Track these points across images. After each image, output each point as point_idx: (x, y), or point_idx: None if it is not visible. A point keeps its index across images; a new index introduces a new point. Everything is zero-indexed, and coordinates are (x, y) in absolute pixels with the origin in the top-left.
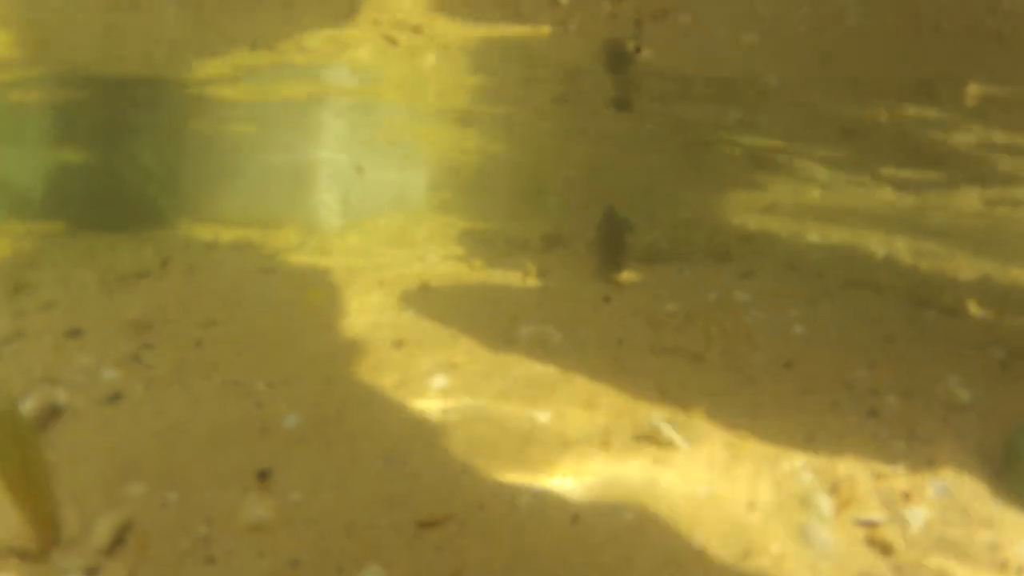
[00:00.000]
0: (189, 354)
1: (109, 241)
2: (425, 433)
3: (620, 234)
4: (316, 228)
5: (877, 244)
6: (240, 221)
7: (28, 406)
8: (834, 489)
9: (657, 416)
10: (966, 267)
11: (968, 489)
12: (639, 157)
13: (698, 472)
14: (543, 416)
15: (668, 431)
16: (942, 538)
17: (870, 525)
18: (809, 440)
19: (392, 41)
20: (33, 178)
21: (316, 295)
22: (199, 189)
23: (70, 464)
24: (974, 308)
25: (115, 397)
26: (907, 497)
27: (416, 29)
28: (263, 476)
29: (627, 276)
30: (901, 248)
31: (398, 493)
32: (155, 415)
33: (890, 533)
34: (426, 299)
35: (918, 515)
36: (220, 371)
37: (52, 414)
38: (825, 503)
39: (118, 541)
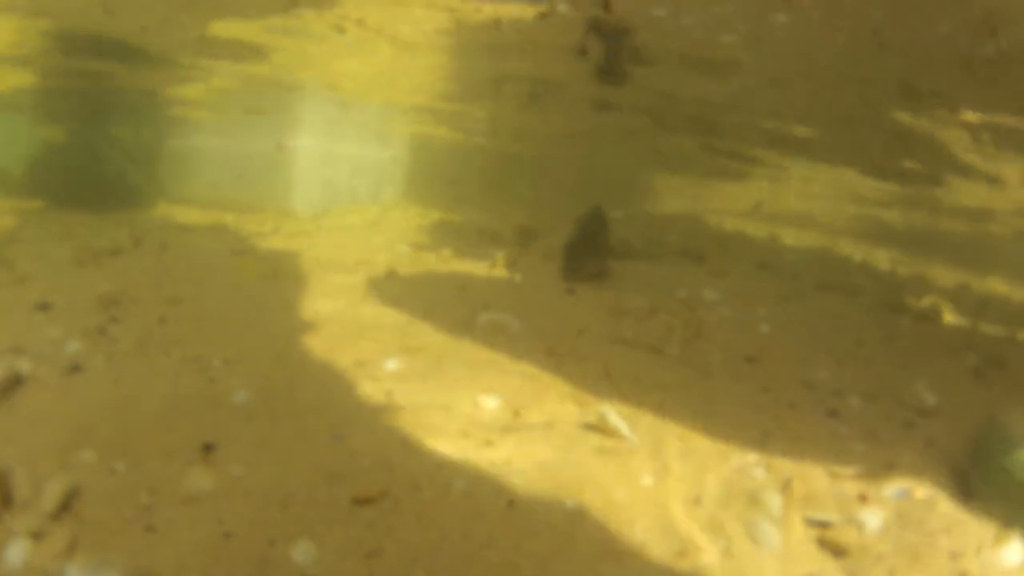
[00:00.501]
0: (152, 330)
1: (87, 220)
2: (371, 413)
3: (598, 234)
4: (291, 214)
5: (854, 249)
6: (217, 205)
7: None
8: (786, 487)
9: (606, 406)
10: (944, 275)
11: (929, 493)
12: (615, 154)
13: (643, 463)
14: (491, 402)
15: (615, 420)
16: (899, 543)
17: (823, 525)
18: (764, 437)
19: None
20: (14, 155)
21: (251, 263)
22: (178, 172)
23: (27, 430)
24: (950, 315)
25: (76, 368)
26: (863, 499)
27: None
28: (208, 449)
29: (596, 270)
30: (878, 254)
31: (337, 470)
32: (112, 386)
33: (843, 535)
34: (390, 286)
35: (874, 518)
36: (180, 347)
37: (15, 383)
38: (775, 501)
39: (64, 506)
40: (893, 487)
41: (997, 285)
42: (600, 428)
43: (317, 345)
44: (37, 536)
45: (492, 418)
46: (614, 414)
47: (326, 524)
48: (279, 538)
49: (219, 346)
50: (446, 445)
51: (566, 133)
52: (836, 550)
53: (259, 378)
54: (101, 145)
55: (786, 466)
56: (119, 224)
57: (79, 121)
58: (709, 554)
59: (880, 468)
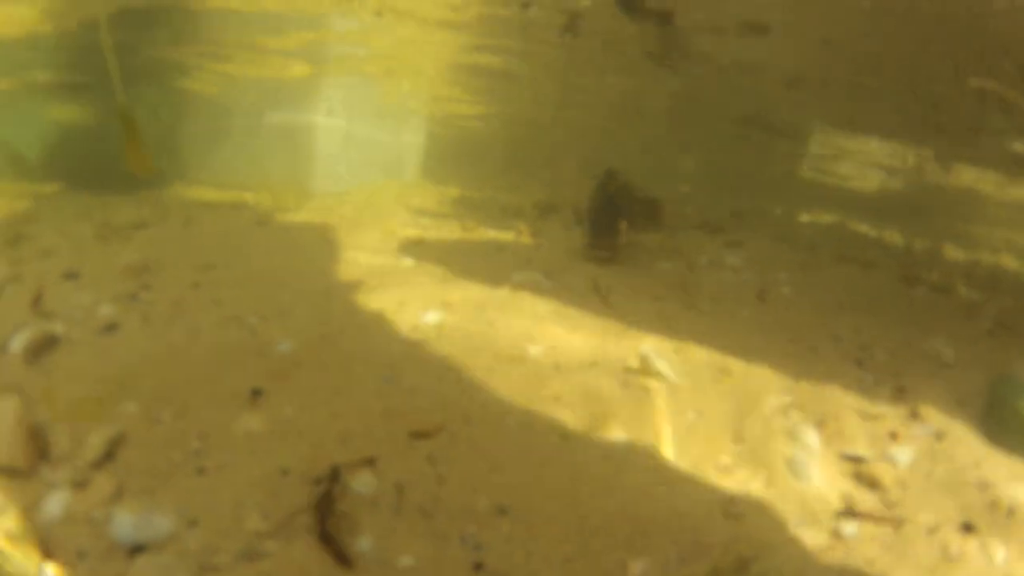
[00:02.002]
0: (187, 293)
1: (105, 200)
2: (420, 356)
3: (617, 204)
4: (312, 192)
5: (870, 225)
6: (237, 185)
7: (24, 336)
8: (820, 425)
9: (647, 349)
10: (959, 251)
11: (954, 433)
12: (636, 128)
13: (685, 402)
14: (534, 347)
15: (657, 362)
16: (930, 475)
17: (857, 460)
18: (795, 381)
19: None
20: (32, 139)
21: (279, 232)
22: (197, 151)
23: (64, 387)
24: (963, 288)
25: (111, 328)
26: (894, 436)
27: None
28: (256, 394)
29: (618, 241)
30: (894, 230)
31: (393, 407)
32: (150, 343)
33: (877, 469)
34: (420, 250)
35: (905, 453)
36: (217, 308)
37: (48, 343)
38: (812, 437)
39: (108, 455)
40: (921, 427)
41: (1008, 261)
42: (643, 370)
43: (355, 299)
44: (79, 485)
45: (537, 361)
46: (655, 356)
47: (386, 457)
48: (342, 471)
49: (257, 305)
50: (497, 384)
51: (587, 105)
52: (871, 483)
53: (301, 330)
54: (116, 125)
55: (819, 407)
56: (138, 203)
57: (96, 103)
58: (753, 484)
59: (908, 410)
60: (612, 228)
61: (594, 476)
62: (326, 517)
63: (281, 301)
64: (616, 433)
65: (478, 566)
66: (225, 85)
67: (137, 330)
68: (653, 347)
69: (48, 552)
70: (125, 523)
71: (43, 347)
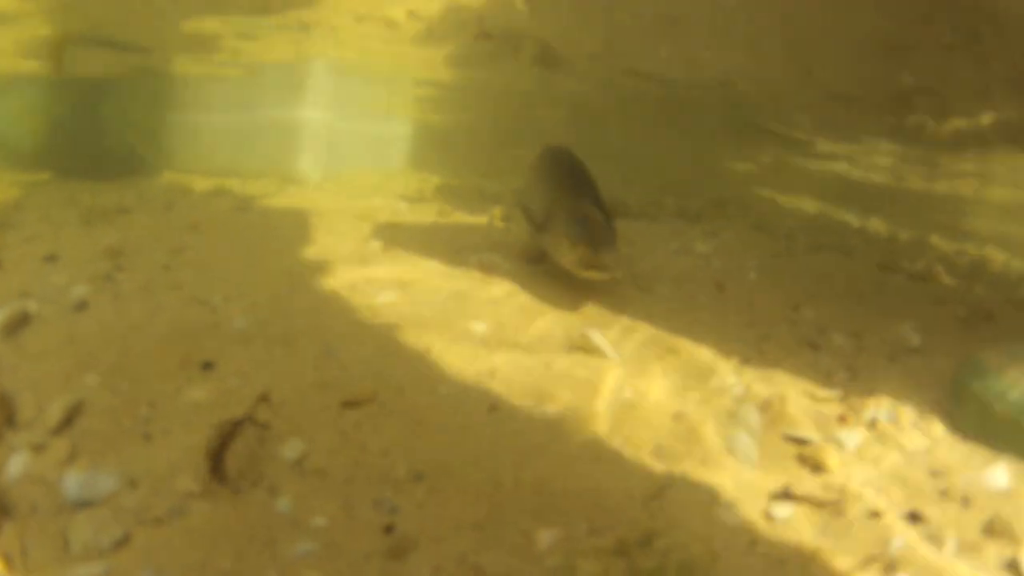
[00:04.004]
0: (156, 275)
1: (93, 188)
2: (363, 334)
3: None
4: (295, 180)
5: (853, 216)
6: (222, 173)
7: (1, 314)
8: (765, 406)
9: (591, 329)
10: (943, 242)
11: (910, 418)
12: (613, 121)
13: (624, 380)
14: (480, 326)
15: (598, 340)
16: (879, 461)
17: (801, 443)
18: (744, 363)
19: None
20: (21, 129)
21: (254, 217)
22: (182, 142)
23: (35, 360)
24: (945, 277)
25: (82, 306)
26: (843, 420)
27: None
28: (207, 367)
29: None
30: (877, 221)
31: (328, 379)
32: (116, 320)
33: (822, 452)
34: (390, 235)
35: (853, 437)
36: (183, 289)
37: (22, 321)
38: (754, 417)
39: (66, 422)
40: (874, 411)
41: (995, 253)
42: (584, 348)
43: (315, 280)
44: (38, 449)
45: (480, 339)
46: (598, 335)
47: (316, 425)
48: (270, 437)
49: (221, 286)
50: (435, 359)
51: (563, 102)
52: (815, 466)
53: (258, 309)
54: (106, 117)
55: (766, 389)
56: (124, 190)
57: (84, 95)
58: (687, 463)
59: (861, 394)
60: (610, 234)
61: (516, 448)
62: (221, 450)
63: (244, 282)
64: (548, 407)
65: (389, 528)
66: (212, 75)
67: (106, 308)
68: (600, 327)
69: (4, 508)
70: (73, 483)
71: (17, 324)
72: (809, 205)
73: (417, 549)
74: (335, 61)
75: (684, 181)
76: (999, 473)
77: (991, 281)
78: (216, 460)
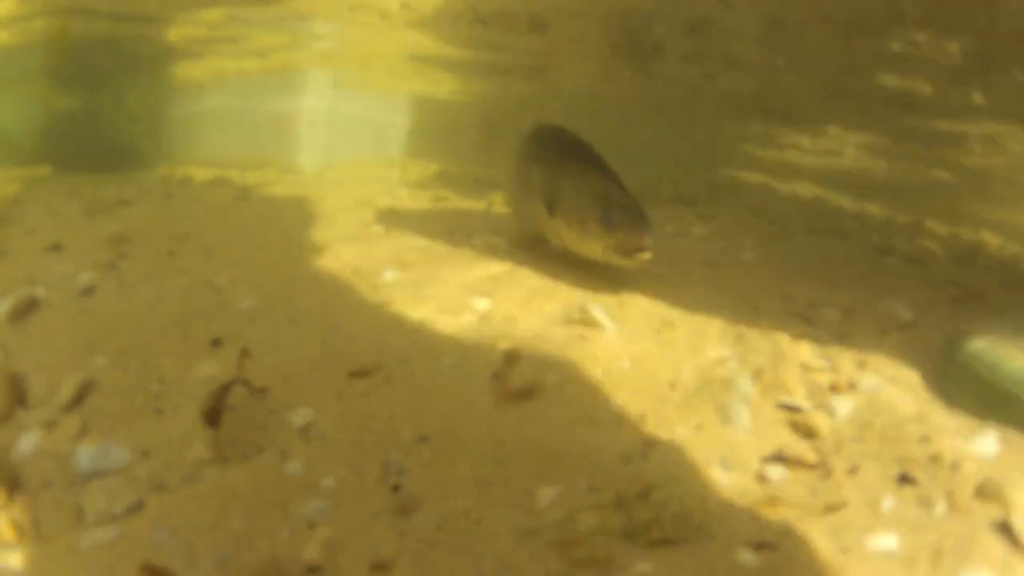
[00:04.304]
0: (162, 261)
1: (94, 181)
2: (368, 310)
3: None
4: (296, 170)
5: (850, 200)
6: (222, 164)
7: (8, 301)
8: (758, 375)
9: (590, 303)
10: (941, 225)
11: (900, 388)
12: (610, 105)
13: (621, 351)
14: (482, 302)
15: (597, 312)
16: (869, 427)
17: (793, 410)
18: (739, 336)
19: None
20: (22, 124)
21: (256, 205)
22: (183, 134)
23: (44, 343)
24: (941, 259)
25: (88, 291)
26: (835, 388)
27: None
28: (216, 344)
29: None
30: (874, 205)
31: (334, 352)
32: (124, 303)
33: (814, 419)
34: (391, 219)
35: (845, 405)
36: (189, 273)
37: (31, 306)
38: (747, 385)
39: (77, 400)
40: (865, 380)
41: (990, 238)
42: (582, 321)
43: (318, 262)
44: (50, 426)
45: (482, 313)
46: (596, 308)
47: (324, 394)
48: (279, 407)
49: (225, 270)
50: (438, 331)
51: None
52: (807, 432)
53: (263, 290)
54: (106, 110)
55: (759, 359)
56: (124, 182)
57: (85, 87)
58: (681, 429)
59: (853, 364)
60: (645, 214)
61: (518, 412)
62: (217, 410)
63: (249, 266)
64: (548, 376)
65: (396, 488)
66: (212, 66)
67: (112, 293)
68: (597, 301)
69: (16, 483)
70: (86, 456)
71: (25, 310)
72: (806, 190)
73: (423, 506)
74: (334, 50)
75: (681, 166)
76: (989, 440)
77: (985, 264)
78: (212, 419)
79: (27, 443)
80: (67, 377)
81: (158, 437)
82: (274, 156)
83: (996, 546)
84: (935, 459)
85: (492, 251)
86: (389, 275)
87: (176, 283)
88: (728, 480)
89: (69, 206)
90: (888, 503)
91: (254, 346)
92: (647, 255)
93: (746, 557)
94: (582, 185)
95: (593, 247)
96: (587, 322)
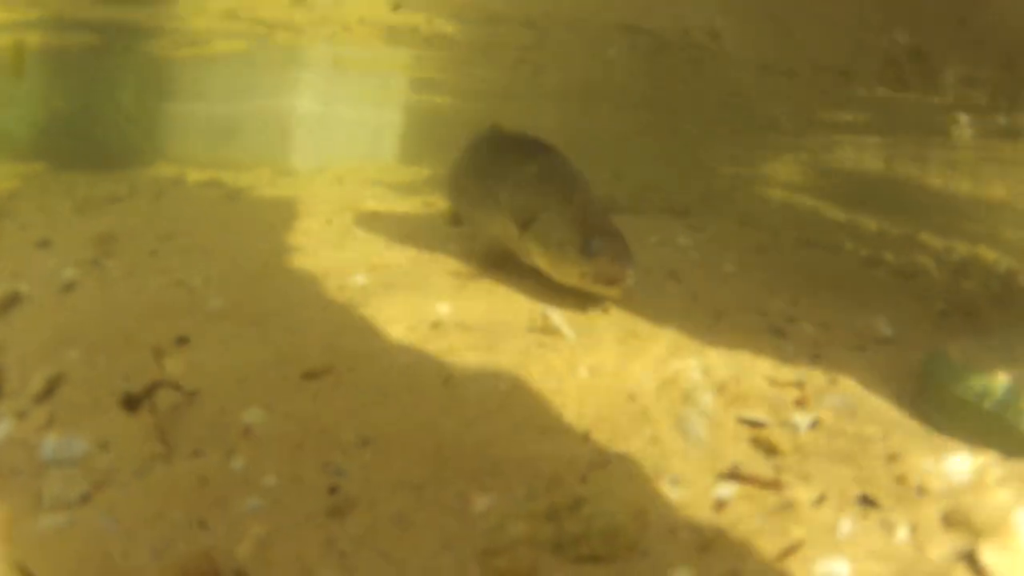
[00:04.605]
0: (143, 260)
1: (87, 178)
2: (330, 313)
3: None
4: (288, 171)
5: (843, 212)
6: (216, 164)
7: None
8: (721, 389)
9: (551, 310)
10: (934, 238)
11: (870, 405)
12: (606, 118)
13: (580, 360)
14: (444, 307)
15: (557, 319)
16: (833, 445)
17: (756, 425)
18: (706, 348)
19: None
20: (21, 121)
21: (242, 206)
22: (177, 133)
23: (22, 337)
24: (933, 273)
25: (69, 287)
26: (801, 404)
27: None
28: (181, 342)
29: None
30: (867, 217)
31: (291, 353)
32: (101, 301)
33: (776, 435)
34: (372, 222)
35: (809, 421)
36: (167, 273)
37: (13, 300)
38: (708, 399)
39: (48, 392)
40: (834, 397)
41: (986, 252)
42: (544, 329)
43: (292, 263)
44: (21, 416)
45: (444, 318)
46: (557, 315)
47: (275, 394)
48: (234, 406)
49: (202, 270)
50: (395, 335)
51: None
52: (767, 448)
53: (234, 291)
54: (102, 107)
55: (724, 372)
56: (118, 180)
57: (81, 85)
58: (635, 441)
59: (823, 380)
60: (624, 240)
61: (464, 417)
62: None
63: (225, 266)
64: (501, 382)
65: (333, 489)
66: (206, 67)
67: (92, 290)
68: (561, 310)
69: None
70: (49, 446)
71: (8, 303)
72: (799, 200)
73: (357, 508)
74: (328, 43)
75: (674, 176)
76: (961, 462)
77: (980, 278)
78: (130, 406)
79: (1, 431)
80: (40, 370)
81: (118, 431)
82: (269, 157)
83: None
84: (901, 481)
85: (466, 257)
86: (358, 279)
87: (153, 282)
88: (676, 496)
89: (62, 202)
90: (845, 526)
91: (217, 345)
92: (628, 283)
93: None
94: (560, 207)
95: (569, 273)
96: (548, 330)
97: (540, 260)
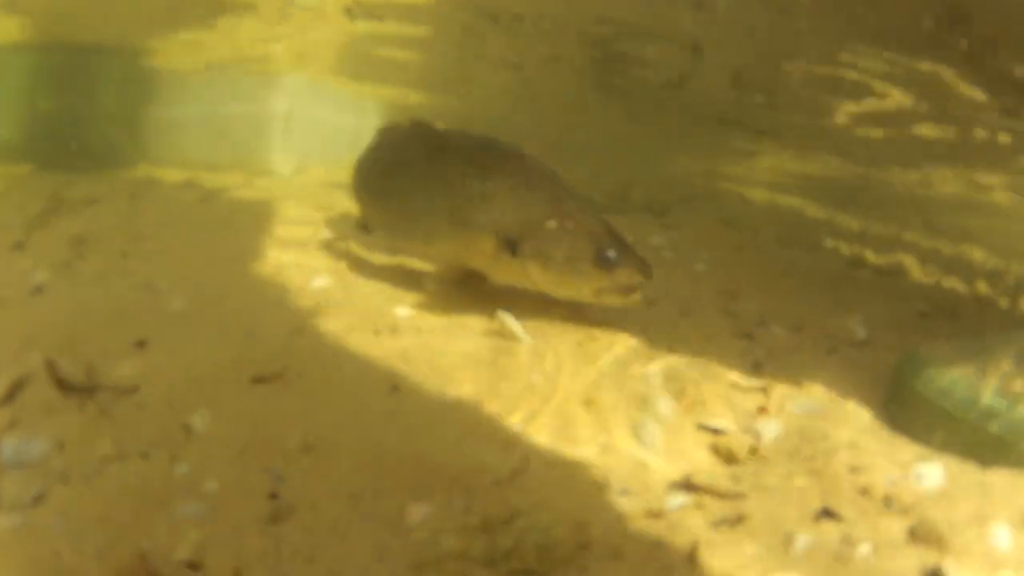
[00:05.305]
0: (113, 262)
1: (69, 179)
2: (289, 317)
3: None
4: (268, 173)
5: (827, 212)
6: (196, 165)
7: None
8: (680, 394)
9: (506, 314)
10: (921, 238)
11: (838, 411)
12: (584, 116)
13: (535, 364)
14: (403, 310)
15: (511, 324)
16: (795, 454)
17: (715, 432)
18: (667, 352)
19: None
20: (4, 124)
21: (216, 208)
22: (159, 135)
23: None
24: (914, 272)
25: (39, 290)
26: (763, 411)
27: None
28: (140, 345)
29: None
30: (850, 217)
31: (245, 357)
32: (67, 303)
33: (736, 442)
34: (343, 224)
35: (773, 428)
36: (135, 275)
37: None
38: (666, 405)
39: (10, 396)
40: (799, 403)
41: (972, 250)
42: (499, 333)
43: (255, 267)
44: None
45: (400, 322)
46: (511, 319)
47: (224, 398)
48: (183, 409)
49: (169, 273)
50: (349, 340)
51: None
52: (726, 457)
53: (198, 293)
54: (84, 110)
55: (686, 376)
56: (97, 181)
57: (65, 87)
58: (588, 449)
59: (789, 385)
60: (631, 248)
61: (407, 425)
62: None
63: (192, 268)
64: (450, 389)
65: (273, 495)
66: (189, 69)
67: (61, 292)
68: (518, 314)
69: None
70: (10, 448)
71: None
72: (781, 200)
73: (295, 515)
74: (305, 48)
75: (654, 175)
76: (931, 472)
77: (965, 277)
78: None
79: None
80: (3, 373)
81: (75, 433)
82: (249, 159)
83: None
84: (865, 492)
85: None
86: (320, 281)
87: (120, 284)
88: (625, 506)
89: (40, 204)
90: (802, 540)
91: (175, 348)
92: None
93: None
94: (560, 218)
95: (580, 290)
96: (504, 334)
97: (540, 279)
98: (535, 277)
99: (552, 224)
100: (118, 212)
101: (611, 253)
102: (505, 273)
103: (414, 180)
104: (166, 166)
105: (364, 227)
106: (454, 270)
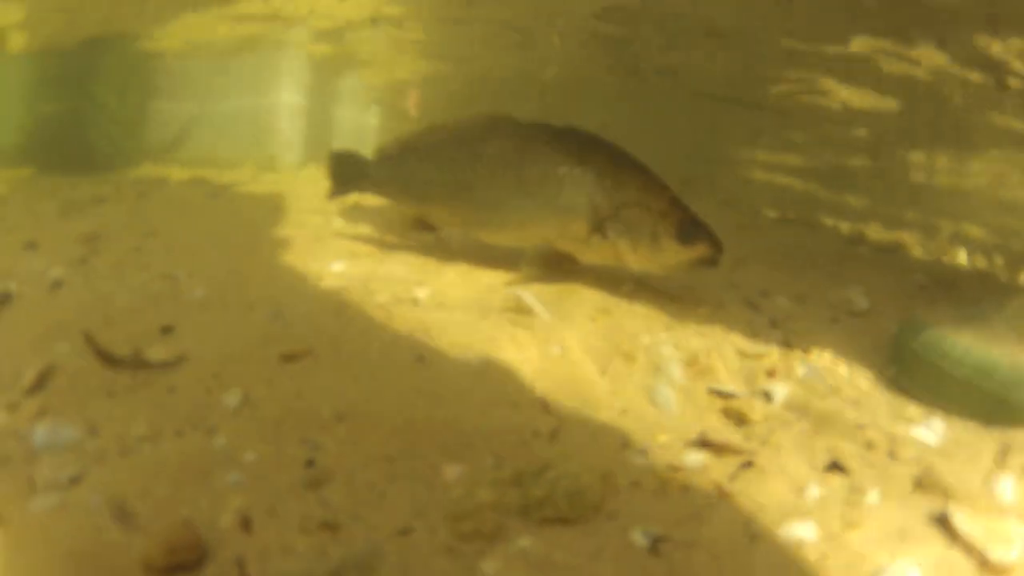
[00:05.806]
0: (128, 256)
1: (74, 181)
2: (311, 298)
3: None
4: (272, 168)
5: (829, 192)
6: (202, 163)
7: None
8: (692, 361)
9: (522, 291)
10: (916, 218)
11: (842, 375)
12: (584, 100)
13: (552, 337)
14: (422, 291)
15: (529, 299)
16: (804, 414)
17: (726, 396)
18: (677, 322)
19: None
20: (6, 128)
21: (225, 203)
22: (163, 134)
23: (14, 333)
24: (917, 249)
25: (57, 285)
26: (771, 374)
27: None
28: (166, 331)
29: None
30: (852, 197)
31: (272, 337)
32: (87, 295)
33: (747, 405)
34: (353, 214)
35: (781, 390)
36: (151, 267)
37: (4, 299)
38: (678, 371)
39: (39, 385)
40: (806, 367)
41: (972, 228)
42: (515, 308)
43: (273, 253)
44: (12, 407)
45: (420, 301)
46: (528, 295)
47: (256, 377)
48: (216, 388)
49: (186, 263)
50: (373, 318)
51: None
52: (738, 418)
53: (217, 281)
54: (87, 110)
55: (695, 344)
56: (103, 182)
57: (66, 88)
58: (606, 411)
59: (796, 351)
60: (702, 221)
61: (436, 392)
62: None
63: (208, 259)
64: (473, 359)
65: (310, 462)
66: (191, 66)
67: (79, 286)
68: (533, 290)
69: None
70: (41, 434)
71: (0, 303)
72: (783, 181)
73: (332, 480)
74: (313, 38)
75: (655, 158)
76: (933, 428)
77: (965, 252)
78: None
79: None
80: (31, 363)
81: (107, 417)
82: (254, 155)
83: (931, 539)
84: (871, 447)
85: (444, 244)
86: (337, 265)
87: (138, 276)
88: (644, 463)
89: (48, 205)
90: (813, 491)
91: (201, 332)
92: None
93: (641, 539)
94: (646, 200)
95: (665, 264)
96: (520, 309)
97: (629, 257)
98: (624, 256)
99: (638, 206)
100: (127, 210)
101: (690, 230)
102: (595, 253)
103: (506, 170)
104: (170, 163)
105: (423, 227)
106: (546, 254)
